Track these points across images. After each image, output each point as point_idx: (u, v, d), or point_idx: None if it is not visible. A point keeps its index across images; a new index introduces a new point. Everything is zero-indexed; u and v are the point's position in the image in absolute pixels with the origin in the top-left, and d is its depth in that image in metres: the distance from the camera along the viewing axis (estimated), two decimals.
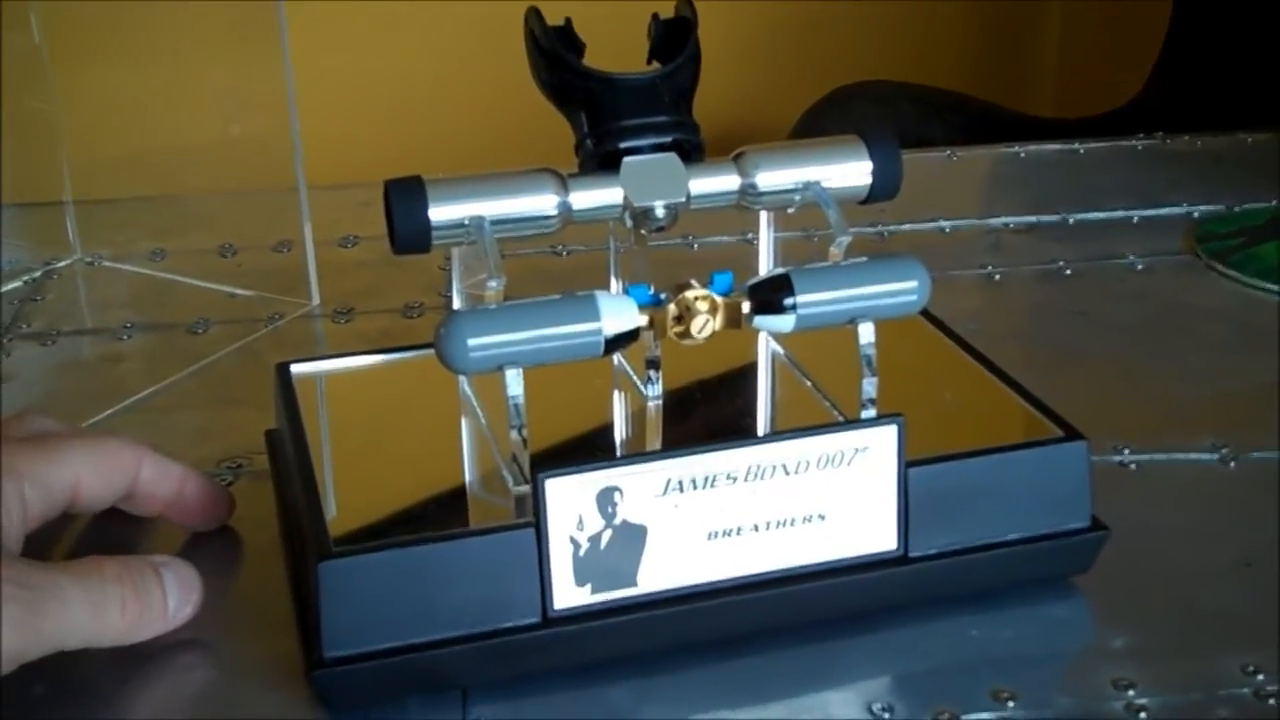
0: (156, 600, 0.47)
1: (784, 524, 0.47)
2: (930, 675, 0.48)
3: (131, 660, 0.47)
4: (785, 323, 0.49)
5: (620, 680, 0.47)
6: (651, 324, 0.49)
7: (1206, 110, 1.20)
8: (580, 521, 0.45)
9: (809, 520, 0.48)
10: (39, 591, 0.44)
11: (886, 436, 0.48)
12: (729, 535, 0.47)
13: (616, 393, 0.55)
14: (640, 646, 0.48)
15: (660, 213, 0.50)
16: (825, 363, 0.55)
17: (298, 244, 0.75)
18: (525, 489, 0.47)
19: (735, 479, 0.47)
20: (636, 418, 0.54)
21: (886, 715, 0.46)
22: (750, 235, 0.66)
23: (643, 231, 0.50)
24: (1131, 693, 0.47)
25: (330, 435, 0.53)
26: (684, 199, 0.50)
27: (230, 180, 0.78)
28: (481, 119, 1.47)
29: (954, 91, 1.41)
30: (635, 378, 0.55)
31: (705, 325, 0.49)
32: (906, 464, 0.48)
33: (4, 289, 0.77)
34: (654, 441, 0.53)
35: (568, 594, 0.46)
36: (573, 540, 0.45)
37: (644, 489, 0.46)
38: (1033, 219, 0.84)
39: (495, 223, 0.49)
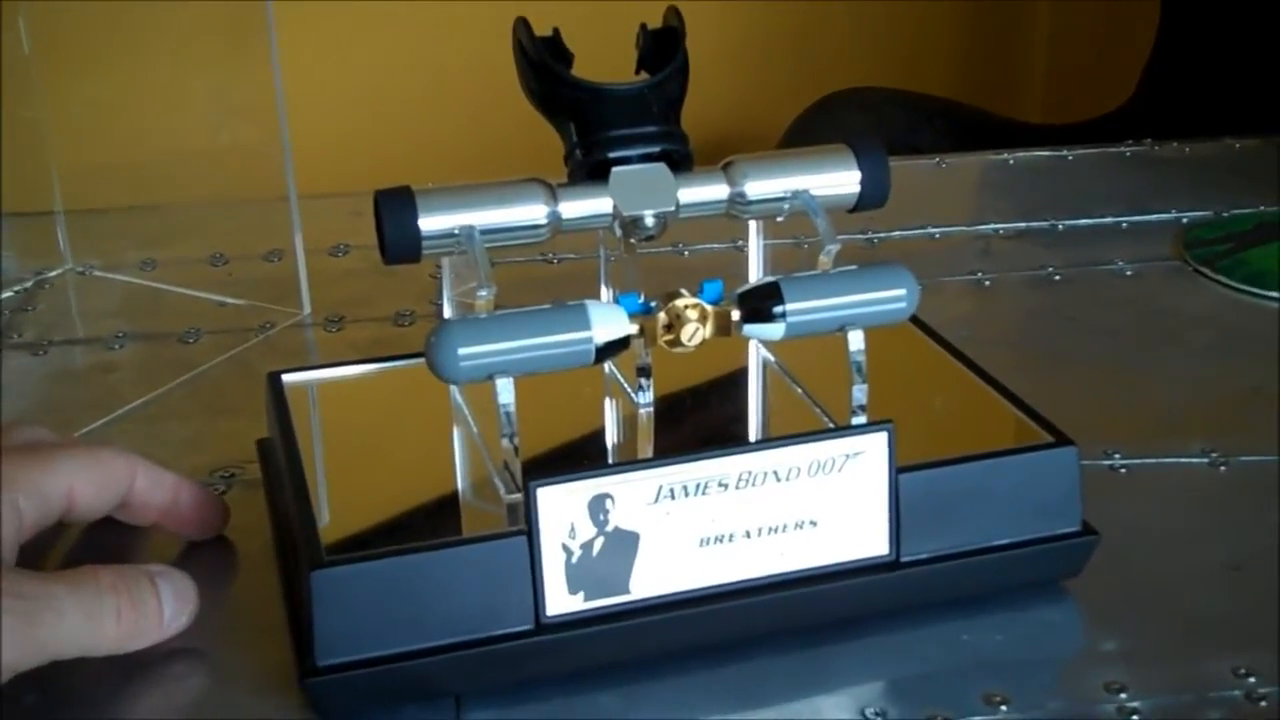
0: (152, 609, 0.47)
1: (775, 530, 0.48)
2: (922, 680, 0.48)
3: (125, 668, 0.47)
4: (775, 331, 0.50)
5: (613, 687, 0.47)
6: (642, 332, 0.49)
7: (1195, 117, 1.20)
8: (572, 529, 0.45)
9: (800, 526, 0.48)
10: (34, 601, 0.44)
11: (877, 443, 0.48)
12: (721, 542, 0.47)
13: (608, 400, 0.56)
14: (633, 653, 0.48)
15: (649, 222, 0.50)
16: (816, 370, 0.55)
17: (289, 253, 0.75)
18: (517, 497, 0.47)
19: (727, 486, 0.47)
20: (628, 425, 0.54)
21: None
22: (740, 242, 0.66)
23: (632, 240, 0.51)
24: (1123, 696, 0.47)
25: (322, 444, 0.53)
26: (673, 208, 0.50)
27: (221, 190, 0.78)
28: (471, 128, 1.47)
29: (943, 98, 1.42)
30: (626, 385, 0.55)
31: (695, 333, 0.49)
32: (897, 470, 0.48)
33: None
34: (645, 449, 0.53)
35: (560, 601, 0.46)
36: (565, 548, 0.45)
37: (636, 496, 0.46)
38: (1022, 225, 0.84)
39: (485, 232, 0.49)
